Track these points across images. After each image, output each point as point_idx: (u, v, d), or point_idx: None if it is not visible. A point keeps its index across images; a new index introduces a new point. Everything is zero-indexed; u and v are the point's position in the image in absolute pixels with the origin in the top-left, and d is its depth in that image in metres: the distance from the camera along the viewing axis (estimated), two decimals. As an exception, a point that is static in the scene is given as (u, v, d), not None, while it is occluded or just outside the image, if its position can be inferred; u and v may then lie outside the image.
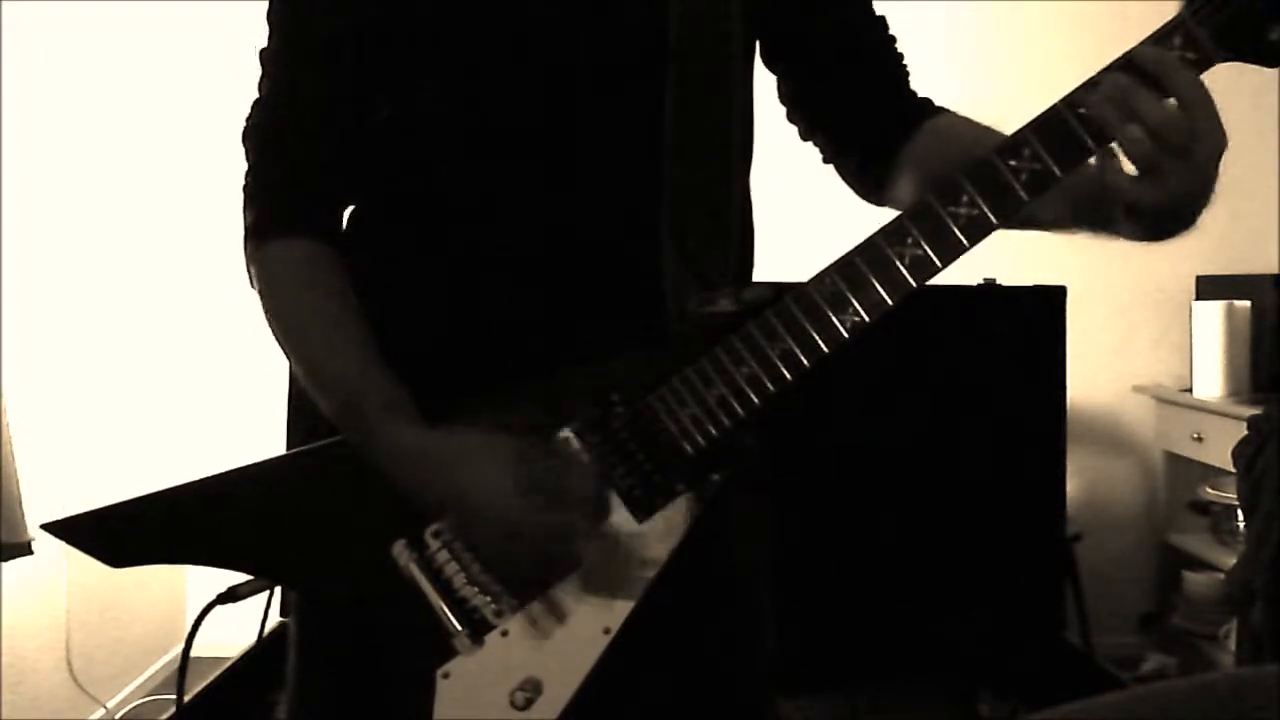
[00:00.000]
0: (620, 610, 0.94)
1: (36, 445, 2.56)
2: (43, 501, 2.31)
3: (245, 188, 1.01)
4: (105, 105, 3.09)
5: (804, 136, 1.17)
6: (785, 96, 1.16)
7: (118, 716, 3.01)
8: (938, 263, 0.89)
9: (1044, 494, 2.49)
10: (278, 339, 0.98)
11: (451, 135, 1.00)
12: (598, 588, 0.94)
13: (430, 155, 1.01)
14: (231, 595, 2.02)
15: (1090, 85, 0.85)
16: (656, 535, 0.95)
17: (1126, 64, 0.84)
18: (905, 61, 1.13)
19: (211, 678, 2.43)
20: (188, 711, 2.17)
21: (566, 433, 0.94)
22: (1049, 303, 2.46)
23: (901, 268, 0.89)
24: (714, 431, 0.93)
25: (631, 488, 0.94)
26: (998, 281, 2.47)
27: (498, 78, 0.98)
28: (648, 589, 0.94)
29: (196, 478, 0.96)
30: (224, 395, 3.41)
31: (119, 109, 3.15)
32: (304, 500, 0.98)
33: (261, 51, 1.02)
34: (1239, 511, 2.64)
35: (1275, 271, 3.15)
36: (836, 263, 0.91)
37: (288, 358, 0.98)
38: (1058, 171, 0.86)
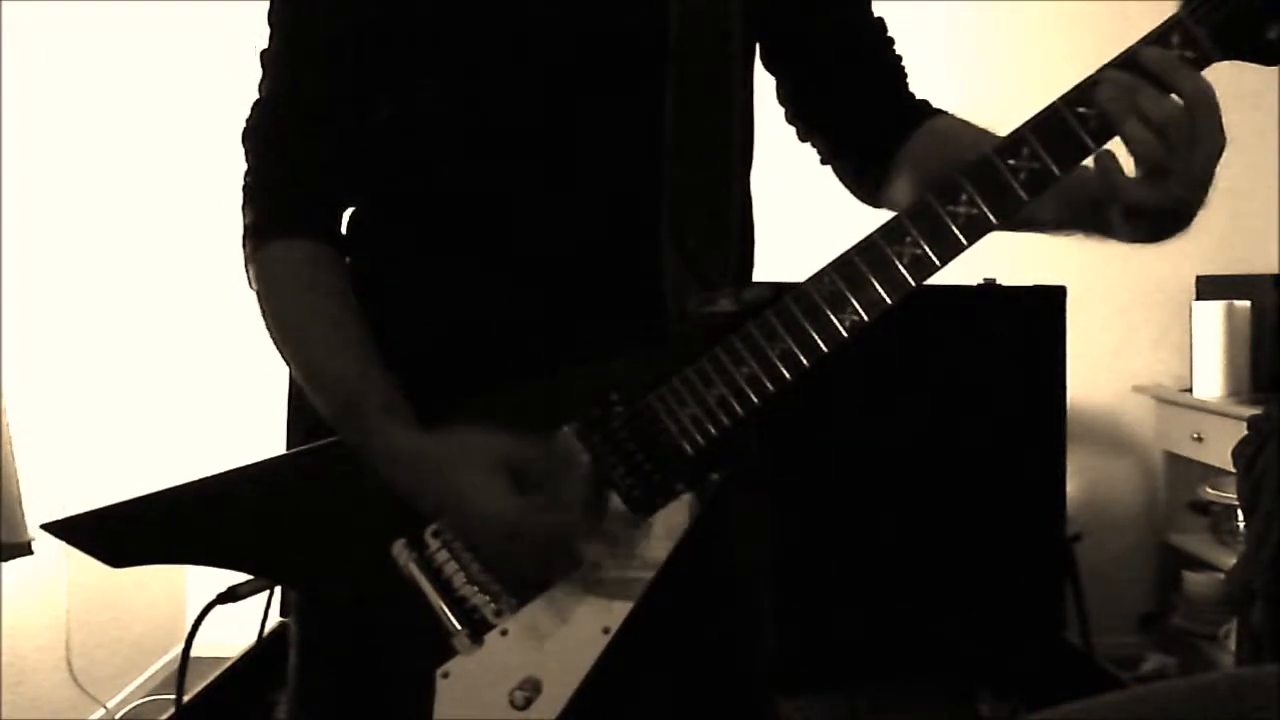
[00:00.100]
0: (620, 610, 0.94)
1: (36, 445, 2.57)
2: (43, 501, 2.31)
3: (245, 188, 1.01)
4: (105, 105, 3.09)
5: (803, 137, 1.17)
6: (784, 97, 1.16)
7: (118, 716, 3.01)
8: (937, 262, 0.89)
9: (1044, 494, 2.49)
10: (276, 340, 0.98)
11: (452, 135, 1.00)
12: (597, 588, 0.94)
13: (431, 155, 1.01)
14: (231, 595, 2.02)
15: (1089, 84, 0.85)
16: (656, 535, 0.95)
17: (1128, 62, 0.84)
18: (904, 63, 1.14)
19: (211, 678, 2.43)
20: (188, 711, 2.17)
21: (566, 432, 0.94)
22: (1049, 303, 2.46)
23: (901, 267, 0.89)
24: (714, 431, 0.93)
25: (631, 487, 0.94)
26: (998, 281, 2.47)
27: (498, 78, 0.98)
28: (647, 589, 0.94)
29: (196, 478, 0.96)
30: (224, 395, 3.41)
31: (119, 109, 3.15)
32: (304, 500, 0.98)
33: (262, 52, 1.03)
34: (1239, 511, 2.64)
35: (1275, 271, 3.16)
36: (835, 262, 0.91)
37: (286, 359, 0.97)
38: (1056, 170, 0.86)
